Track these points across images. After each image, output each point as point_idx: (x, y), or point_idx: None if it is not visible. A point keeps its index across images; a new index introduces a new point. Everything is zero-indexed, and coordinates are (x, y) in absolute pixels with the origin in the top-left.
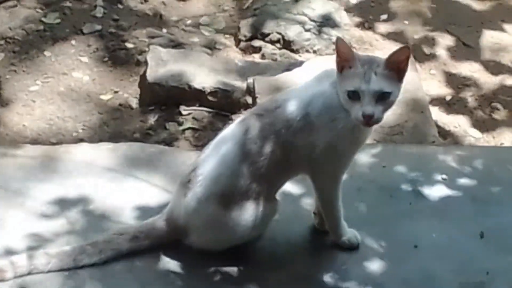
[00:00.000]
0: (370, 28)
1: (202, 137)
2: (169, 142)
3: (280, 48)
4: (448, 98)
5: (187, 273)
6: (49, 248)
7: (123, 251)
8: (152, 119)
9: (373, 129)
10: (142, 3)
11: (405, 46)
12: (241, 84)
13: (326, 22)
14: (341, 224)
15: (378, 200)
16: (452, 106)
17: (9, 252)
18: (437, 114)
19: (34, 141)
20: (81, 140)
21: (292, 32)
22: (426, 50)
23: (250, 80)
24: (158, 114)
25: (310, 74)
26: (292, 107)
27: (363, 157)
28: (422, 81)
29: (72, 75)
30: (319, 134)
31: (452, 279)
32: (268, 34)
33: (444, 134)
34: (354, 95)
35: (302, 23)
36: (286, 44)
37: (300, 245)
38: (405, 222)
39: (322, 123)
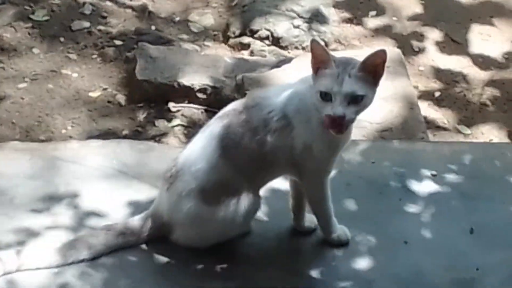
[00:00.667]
0: (359, 24)
1: (191, 134)
2: (158, 139)
3: (269, 45)
4: (437, 94)
5: (178, 269)
6: (37, 244)
7: (111, 246)
8: (141, 116)
9: (351, 132)
10: (130, 0)
11: (382, 50)
12: (230, 81)
13: (315, 18)
14: (332, 221)
15: (367, 196)
16: (441, 102)
17: None
18: (426, 110)
19: (23, 139)
20: (70, 137)
21: (281, 28)
22: (415, 46)
23: (239, 77)
24: (147, 111)
25: (299, 71)
26: (270, 107)
27: (352, 153)
28: (411, 77)
29: (61, 72)
30: (295, 135)
31: (443, 275)
32: (257, 31)
33: (433, 130)
34: (326, 96)
35: (291, 20)
36: (275, 40)
37: (290, 241)
38: (395, 218)
39: (298, 123)
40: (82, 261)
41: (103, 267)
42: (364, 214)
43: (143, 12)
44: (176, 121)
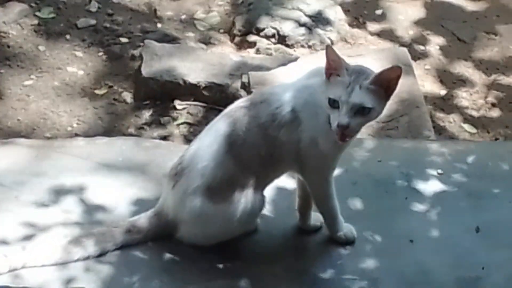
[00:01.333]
0: (365, 23)
1: (196, 131)
2: (164, 136)
3: (275, 43)
4: (443, 93)
5: (183, 266)
6: (43, 241)
7: (117, 244)
8: (146, 114)
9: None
10: None
11: (397, 66)
12: (236, 79)
13: (320, 17)
14: (338, 219)
15: (373, 194)
16: (447, 101)
17: (4, 244)
18: (432, 109)
19: (29, 136)
20: (76, 134)
21: (287, 27)
22: (421, 46)
23: (245, 75)
24: (153, 108)
25: (304, 69)
26: (278, 102)
27: (359, 152)
28: (417, 77)
29: (67, 69)
30: (303, 130)
31: (448, 274)
32: (263, 29)
33: (439, 129)
34: (334, 103)
35: (297, 19)
36: (281, 39)
37: (296, 239)
38: (401, 216)
39: (305, 118)
40: (87, 258)
41: (109, 264)
42: (370, 213)
43: (149, 10)
44: (181, 119)
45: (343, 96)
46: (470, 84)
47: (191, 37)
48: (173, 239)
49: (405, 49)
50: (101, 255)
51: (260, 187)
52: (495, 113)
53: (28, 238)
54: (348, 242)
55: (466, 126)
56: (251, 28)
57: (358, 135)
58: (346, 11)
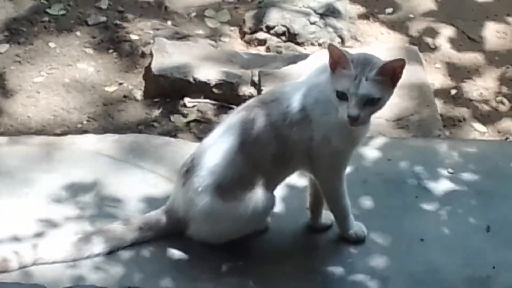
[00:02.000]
0: (376, 20)
1: (206, 129)
2: (174, 134)
3: (285, 41)
4: (453, 91)
5: (193, 264)
6: (54, 238)
7: (128, 241)
8: (156, 111)
9: (369, 126)
10: None
11: (401, 58)
12: (246, 77)
13: (331, 14)
14: (349, 218)
15: (383, 193)
16: (457, 99)
17: (15, 241)
18: (442, 107)
19: (39, 132)
20: (86, 131)
21: (297, 24)
22: (431, 43)
23: (255, 72)
24: (163, 106)
25: (315, 67)
26: (288, 100)
27: (369, 150)
28: (427, 75)
29: (77, 66)
30: (314, 128)
31: (458, 273)
32: (273, 27)
33: (449, 127)
34: (342, 96)
35: (307, 16)
36: (291, 36)
37: (306, 238)
38: (411, 215)
39: (317, 116)
40: (98, 255)
41: (119, 261)
42: (380, 211)
43: (159, 7)
44: (191, 116)
45: (351, 88)
46: (480, 83)
47: (201, 34)
48: (184, 236)
49: (415, 48)
50: (111, 252)
51: (270, 185)
52: (506, 112)
53: (38, 234)
54: (359, 240)
55: (477, 125)
56: (261, 25)
57: (369, 134)
58: (357, 9)
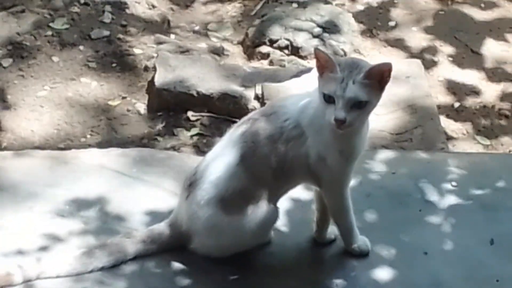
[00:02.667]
0: (378, 35)
1: (210, 143)
2: (177, 148)
3: (288, 55)
4: (456, 105)
5: (196, 278)
6: (57, 252)
7: (131, 254)
8: (160, 125)
9: (365, 143)
10: (150, 9)
11: (388, 62)
12: (249, 90)
13: (334, 28)
14: (354, 232)
15: (387, 206)
16: (460, 113)
17: (18, 255)
18: (445, 121)
19: (42, 147)
20: (89, 145)
21: (300, 38)
22: (434, 56)
23: (258, 86)
24: (166, 119)
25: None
26: (286, 115)
27: (373, 163)
28: (430, 88)
29: (80, 80)
30: (309, 145)
31: (462, 286)
32: (276, 41)
33: (453, 141)
34: (329, 99)
35: (310, 30)
36: (294, 50)
37: (310, 251)
38: (415, 229)
39: (311, 133)
40: (102, 268)
41: (122, 275)
42: (384, 225)
43: (162, 21)
44: (195, 130)
45: (337, 91)
46: (483, 96)
47: (205, 48)
48: (187, 250)
49: (418, 61)
50: (115, 265)
51: (273, 198)
52: (509, 125)
53: (42, 249)
54: (362, 254)
55: (480, 138)
56: (264, 39)
57: (372, 147)
58: (360, 23)
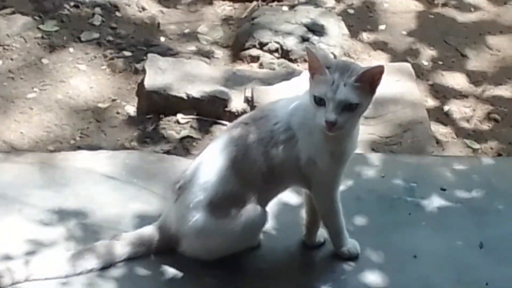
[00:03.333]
0: (368, 38)
1: (199, 145)
2: (167, 150)
3: (278, 58)
4: (446, 108)
5: (185, 280)
6: (47, 254)
7: (120, 256)
8: (149, 128)
9: (356, 145)
10: (140, 11)
11: (380, 65)
12: (239, 93)
13: (324, 32)
14: (343, 235)
15: (377, 210)
16: (450, 116)
17: (6, 259)
18: (434, 124)
19: (32, 149)
20: (79, 147)
21: (290, 41)
22: (424, 60)
23: (248, 89)
24: (156, 122)
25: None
26: (276, 118)
27: (362, 167)
28: (420, 92)
29: (70, 82)
30: (300, 148)
31: None
32: (266, 44)
33: (442, 144)
34: (320, 101)
35: (300, 33)
36: (284, 53)
37: (299, 254)
38: (404, 232)
39: (302, 136)
40: (91, 271)
41: (112, 277)
42: (373, 228)
43: (152, 23)
44: (184, 133)
45: (328, 93)
46: (473, 100)
47: (194, 51)
48: (176, 252)
49: (408, 64)
50: (104, 268)
51: (262, 202)
52: (498, 128)
53: (31, 251)
54: (352, 257)
55: (469, 142)
56: (254, 42)
57: (362, 151)
58: (349, 26)
